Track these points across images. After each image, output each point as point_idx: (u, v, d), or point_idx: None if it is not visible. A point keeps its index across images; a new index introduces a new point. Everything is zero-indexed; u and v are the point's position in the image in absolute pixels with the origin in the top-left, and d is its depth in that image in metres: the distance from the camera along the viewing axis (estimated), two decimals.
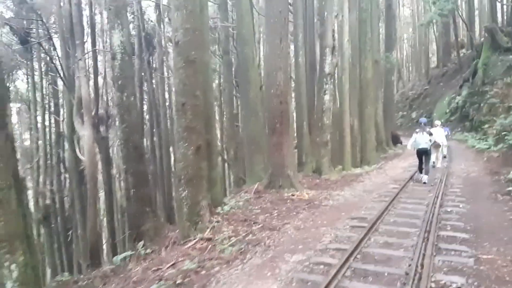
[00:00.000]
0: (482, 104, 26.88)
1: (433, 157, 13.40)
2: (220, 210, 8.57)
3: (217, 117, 28.69)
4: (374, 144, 19.03)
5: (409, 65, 64.90)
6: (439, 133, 13.35)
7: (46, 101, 23.44)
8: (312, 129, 14.87)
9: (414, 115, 45.21)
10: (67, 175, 22.13)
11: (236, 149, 16.14)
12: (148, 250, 8.71)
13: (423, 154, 11.83)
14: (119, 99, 9.58)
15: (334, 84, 13.99)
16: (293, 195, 10.23)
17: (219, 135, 25.54)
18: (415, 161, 17.58)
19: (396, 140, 27.88)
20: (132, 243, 11.13)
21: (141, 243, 9.66)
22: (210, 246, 6.71)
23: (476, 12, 43.23)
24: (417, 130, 11.98)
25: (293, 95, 16.87)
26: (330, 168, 13.82)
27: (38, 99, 19.61)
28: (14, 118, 27.44)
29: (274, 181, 10.79)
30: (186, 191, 7.58)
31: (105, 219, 19.69)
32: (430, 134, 11.73)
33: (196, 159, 7.56)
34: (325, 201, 9.64)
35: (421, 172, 12.12)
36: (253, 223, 7.56)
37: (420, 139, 11.61)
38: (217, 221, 7.74)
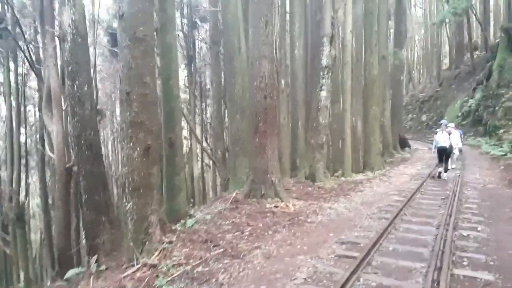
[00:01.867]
0: (497, 108, 25.30)
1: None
2: (179, 225, 6.98)
3: (209, 115, 27.23)
4: (379, 148, 17.32)
5: (421, 67, 62.83)
6: (454, 135, 13.38)
7: (30, 94, 22.12)
8: (308, 129, 13.22)
9: (424, 118, 43.36)
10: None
11: (224, 150, 14.57)
12: (103, 267, 7.23)
13: (443, 152, 12.30)
14: (69, 88, 8.05)
15: (332, 79, 12.30)
16: (276, 206, 8.61)
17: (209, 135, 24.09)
18: (424, 167, 16.11)
19: (404, 144, 26.09)
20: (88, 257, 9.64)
21: (95, 257, 8.22)
22: (150, 277, 5.13)
23: (491, 14, 41.06)
24: (437, 130, 12.84)
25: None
26: (326, 174, 12.16)
27: (13, 90, 18.18)
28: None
29: (256, 189, 9.17)
30: (131, 203, 6.02)
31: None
32: (449, 133, 12.39)
33: (144, 163, 5.98)
34: (313, 216, 8.00)
35: (438, 170, 12.67)
36: (214, 246, 5.94)
37: (440, 138, 12.22)
38: (170, 242, 6.14)
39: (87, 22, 10.60)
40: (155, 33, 7.48)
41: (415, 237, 6.28)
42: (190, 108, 26.13)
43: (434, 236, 6.22)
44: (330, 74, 11.74)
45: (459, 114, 31.84)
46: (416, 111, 46.61)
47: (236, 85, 10.99)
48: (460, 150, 14.57)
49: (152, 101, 6.11)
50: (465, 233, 6.48)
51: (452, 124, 14.53)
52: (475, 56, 39.80)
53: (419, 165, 17.19)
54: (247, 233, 6.65)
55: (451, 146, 12.40)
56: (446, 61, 52.53)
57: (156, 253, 5.89)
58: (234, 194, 9.17)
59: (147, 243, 6.01)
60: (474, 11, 37.58)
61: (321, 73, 11.60)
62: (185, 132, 22.44)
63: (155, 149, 6.18)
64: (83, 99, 8.22)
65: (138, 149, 5.94)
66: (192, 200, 15.50)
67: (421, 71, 62.20)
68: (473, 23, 41.67)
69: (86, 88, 8.27)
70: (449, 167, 13.30)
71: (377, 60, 16.56)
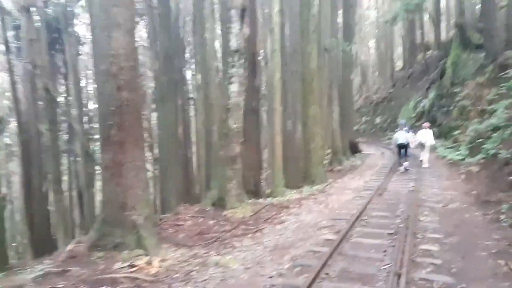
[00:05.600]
0: (451, 108, 23.51)
1: (422, 156, 15.17)
2: None
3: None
4: (321, 156, 14.42)
5: (374, 68, 61.77)
6: (427, 133, 14.65)
7: None
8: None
9: (378, 120, 41.64)
10: None
11: None
12: None
13: (401, 148, 13.98)
14: None
15: (246, 68, 9.18)
16: (132, 266, 5.30)
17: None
18: (373, 178, 13.51)
19: (354, 149, 23.59)
20: None
21: None
22: None
23: (443, 11, 40.12)
24: (397, 129, 14.76)
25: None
26: (241, 197, 8.95)
27: None
28: None
29: (108, 235, 5.84)
30: None
31: None
32: (407, 132, 14.13)
33: None
34: (179, 285, 4.79)
35: (400, 165, 14.32)
36: None
37: (399, 136, 13.92)
38: None
39: None
40: None
41: None
42: None
43: None
44: (242, 62, 8.63)
45: (413, 114, 30.16)
46: (370, 114, 44.96)
47: None
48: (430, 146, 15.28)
49: None
50: None
51: (427, 124, 15.44)
52: (427, 56, 38.61)
53: (368, 175, 14.50)
54: None
55: (408, 143, 13.81)
56: (399, 63, 51.48)
57: None
58: (73, 245, 5.80)
59: None
60: (426, 8, 36.32)
61: (230, 60, 8.46)
62: None
63: None
64: None
65: None
66: None
67: (376, 73, 61.13)
68: (425, 22, 40.56)
69: None
70: (425, 165, 14.81)
71: (315, 51, 13.67)
